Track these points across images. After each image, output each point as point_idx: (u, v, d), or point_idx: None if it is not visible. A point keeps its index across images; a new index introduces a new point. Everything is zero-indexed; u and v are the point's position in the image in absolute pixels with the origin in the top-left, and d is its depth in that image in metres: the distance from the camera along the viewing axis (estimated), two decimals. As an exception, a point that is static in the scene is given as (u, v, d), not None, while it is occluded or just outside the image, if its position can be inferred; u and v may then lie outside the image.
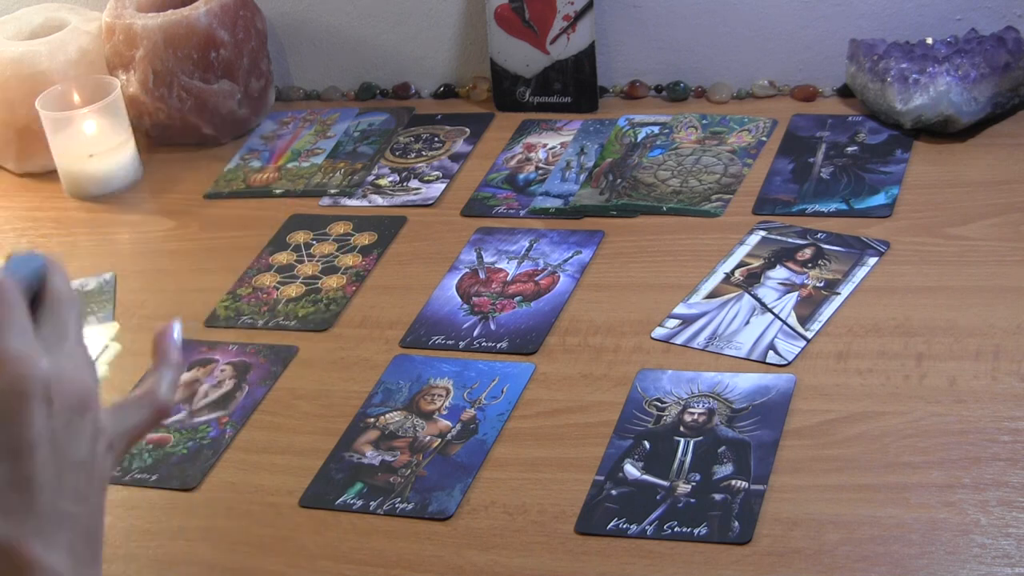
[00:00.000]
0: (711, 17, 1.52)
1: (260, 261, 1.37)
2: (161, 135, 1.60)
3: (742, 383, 1.10)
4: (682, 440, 1.06)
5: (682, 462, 1.03)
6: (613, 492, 1.02)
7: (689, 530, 0.97)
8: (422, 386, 1.16)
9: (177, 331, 0.76)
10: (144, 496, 1.10)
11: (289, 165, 1.54)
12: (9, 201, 1.56)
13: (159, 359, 0.75)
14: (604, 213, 1.36)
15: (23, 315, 0.65)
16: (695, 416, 1.08)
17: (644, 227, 1.33)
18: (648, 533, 0.98)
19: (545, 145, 1.49)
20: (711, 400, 1.09)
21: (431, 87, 1.65)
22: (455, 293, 1.27)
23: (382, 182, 1.48)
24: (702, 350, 1.15)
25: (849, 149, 1.40)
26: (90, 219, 1.49)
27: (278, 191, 1.49)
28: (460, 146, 1.52)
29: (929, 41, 1.42)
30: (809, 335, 1.14)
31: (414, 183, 1.47)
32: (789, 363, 1.12)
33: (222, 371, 1.22)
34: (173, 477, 1.11)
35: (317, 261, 1.36)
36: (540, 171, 1.45)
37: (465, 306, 1.25)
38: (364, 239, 1.38)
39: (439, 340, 1.22)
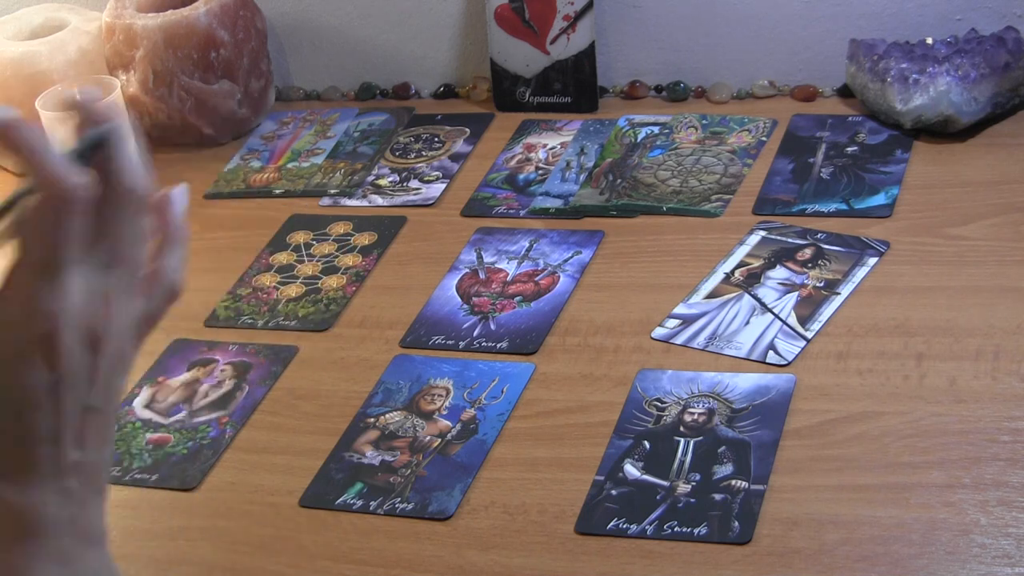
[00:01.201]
0: (711, 17, 1.52)
1: (260, 261, 1.37)
2: (161, 135, 1.60)
3: (742, 383, 1.10)
4: (682, 440, 1.06)
5: (682, 462, 1.03)
6: (613, 492, 1.02)
7: (689, 530, 0.97)
8: (422, 386, 1.16)
9: (181, 196, 0.69)
10: (144, 496, 1.10)
11: (289, 165, 1.54)
12: (9, 201, 1.56)
13: (164, 234, 0.68)
14: (604, 213, 1.36)
15: (77, 239, 0.59)
16: (695, 416, 1.08)
17: (644, 227, 1.33)
18: (648, 533, 0.98)
19: (545, 145, 1.49)
20: (711, 400, 1.09)
21: (431, 87, 1.65)
22: (455, 293, 1.27)
23: (382, 182, 1.48)
24: (702, 350, 1.15)
25: (849, 149, 1.40)
26: (90, 219, 1.49)
27: (278, 191, 1.49)
28: (460, 146, 1.52)
29: (929, 41, 1.42)
30: (809, 335, 1.14)
31: (414, 183, 1.47)
32: (789, 363, 1.12)
33: (222, 371, 1.22)
34: (173, 477, 1.11)
35: (317, 261, 1.36)
36: (540, 171, 1.45)
37: (465, 306, 1.25)
38: (364, 239, 1.38)
39: (439, 340, 1.22)
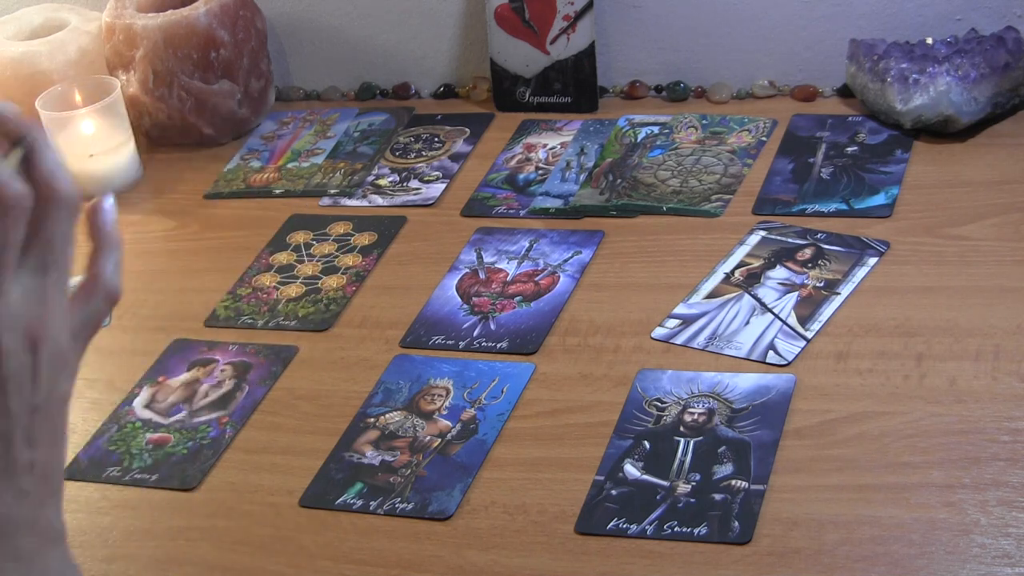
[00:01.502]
0: (711, 17, 1.52)
1: (260, 261, 1.37)
2: (161, 135, 1.60)
3: (742, 383, 1.10)
4: (682, 440, 1.06)
5: (682, 462, 1.03)
6: (613, 492, 1.02)
7: (689, 530, 0.97)
8: (422, 386, 1.16)
9: (110, 206, 0.72)
10: (144, 496, 1.10)
11: (289, 165, 1.54)
12: (9, 201, 1.56)
13: (98, 241, 0.71)
14: (604, 213, 1.36)
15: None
16: (695, 416, 1.08)
17: (644, 227, 1.33)
18: (648, 533, 0.98)
19: (545, 145, 1.49)
20: (711, 400, 1.09)
21: (431, 87, 1.65)
22: (455, 293, 1.27)
23: (382, 182, 1.48)
24: (702, 350, 1.15)
25: (849, 149, 1.40)
26: (90, 219, 1.49)
27: (278, 191, 1.49)
28: (460, 146, 1.52)
29: (929, 41, 1.42)
30: (809, 335, 1.14)
31: (414, 183, 1.47)
32: (789, 363, 1.12)
33: (222, 371, 1.22)
34: (173, 477, 1.11)
35: (317, 261, 1.36)
36: (540, 171, 1.45)
37: (465, 306, 1.25)
38: (364, 239, 1.38)
39: (439, 340, 1.22)
